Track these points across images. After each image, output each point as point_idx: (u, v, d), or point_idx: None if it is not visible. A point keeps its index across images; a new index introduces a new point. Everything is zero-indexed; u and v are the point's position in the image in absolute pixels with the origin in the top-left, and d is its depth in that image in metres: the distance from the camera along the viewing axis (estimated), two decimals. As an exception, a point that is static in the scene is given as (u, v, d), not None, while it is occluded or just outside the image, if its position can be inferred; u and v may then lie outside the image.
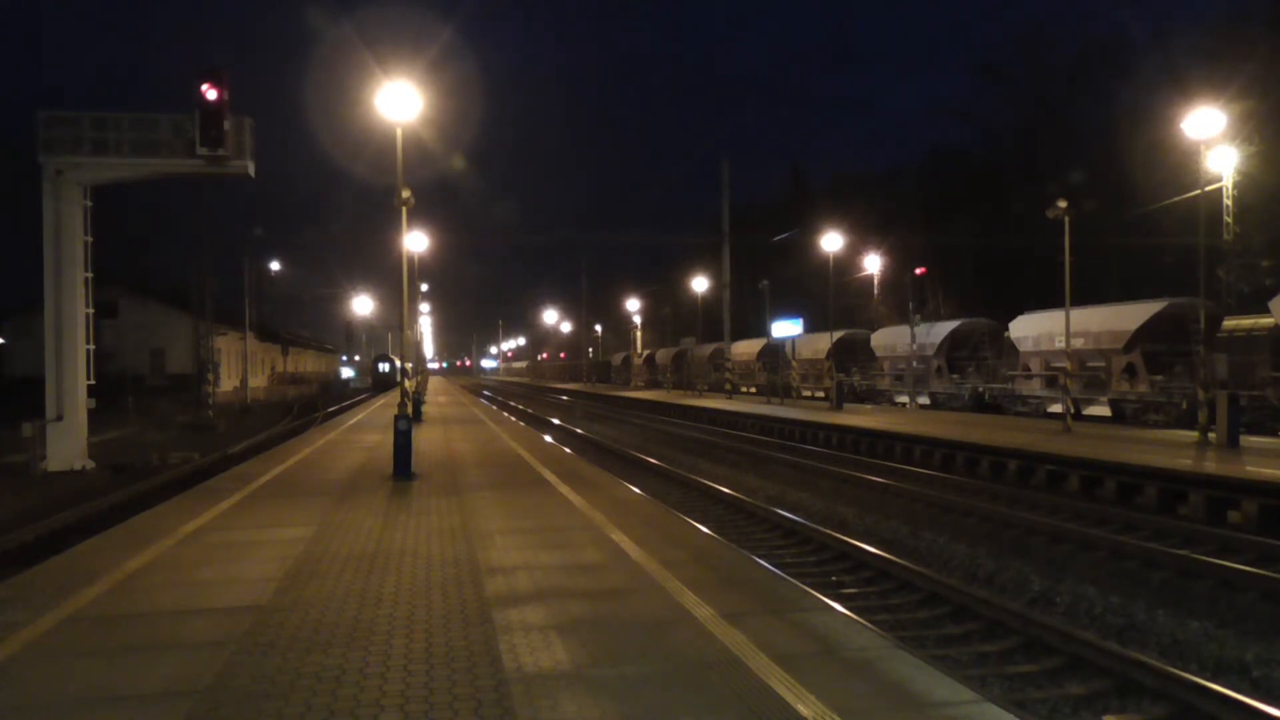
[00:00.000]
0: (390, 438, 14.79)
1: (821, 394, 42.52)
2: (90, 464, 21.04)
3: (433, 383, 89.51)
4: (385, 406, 38.41)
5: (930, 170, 63.85)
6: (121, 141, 21.00)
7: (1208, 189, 23.73)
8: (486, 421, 29.73)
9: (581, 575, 7.69)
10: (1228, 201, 29.31)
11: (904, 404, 37.64)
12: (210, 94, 20.46)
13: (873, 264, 50.51)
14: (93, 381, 21.48)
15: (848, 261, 48.81)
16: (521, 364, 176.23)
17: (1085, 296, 28.90)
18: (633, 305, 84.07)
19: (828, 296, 39.89)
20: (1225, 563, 10.78)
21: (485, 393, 75.13)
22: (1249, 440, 18.91)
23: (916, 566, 10.64)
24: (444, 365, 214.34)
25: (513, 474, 15.09)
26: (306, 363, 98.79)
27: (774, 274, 53.01)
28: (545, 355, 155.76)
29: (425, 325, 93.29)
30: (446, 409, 38.48)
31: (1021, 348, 31.37)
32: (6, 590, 7.49)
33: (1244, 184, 30.94)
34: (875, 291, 53.83)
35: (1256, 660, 7.86)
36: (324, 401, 53.87)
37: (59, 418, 20.67)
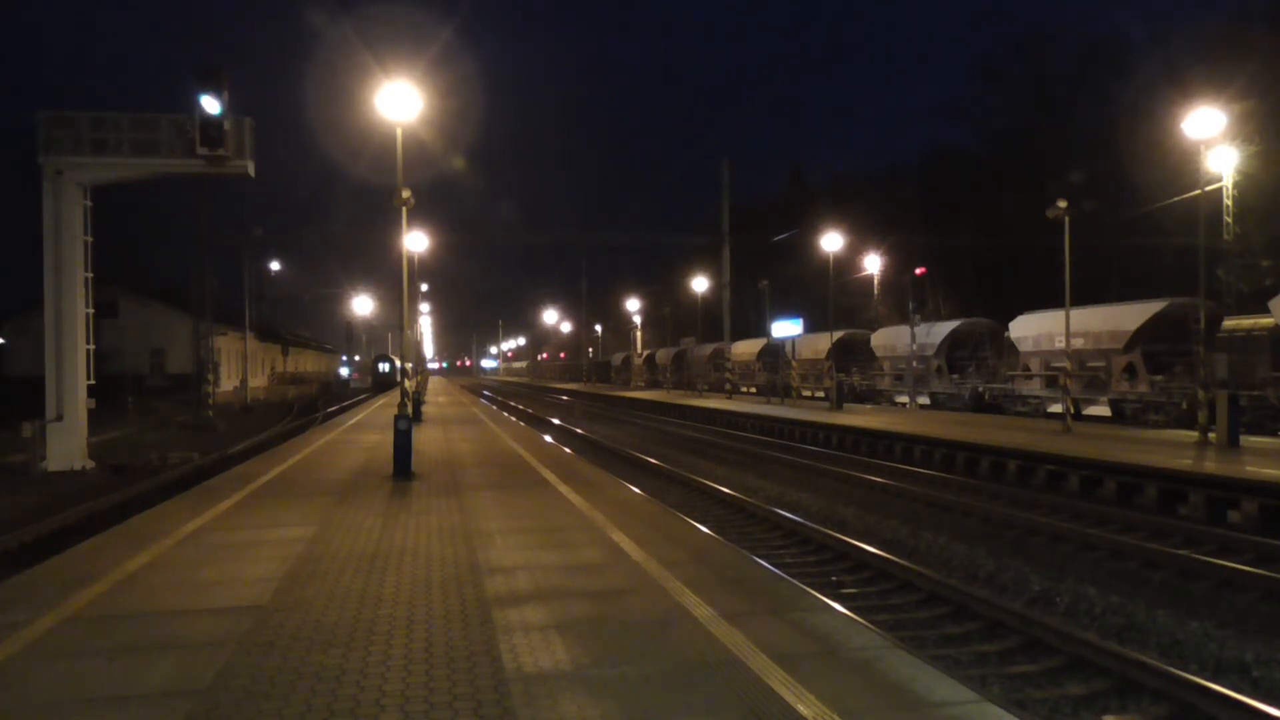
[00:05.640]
0: (390, 438, 14.79)
1: (821, 394, 42.52)
2: (90, 464, 21.04)
3: (433, 383, 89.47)
4: (385, 406, 38.40)
5: (930, 170, 63.98)
6: (121, 141, 21.03)
7: (1208, 189, 23.74)
8: (486, 421, 29.73)
9: (582, 575, 7.68)
10: (1228, 201, 29.33)
11: (904, 404, 37.64)
12: (211, 93, 20.49)
13: (873, 264, 50.53)
14: (93, 381, 21.47)
15: (848, 261, 48.83)
16: (522, 364, 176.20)
17: (1085, 296, 28.90)
18: (633, 305, 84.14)
19: (828, 296, 39.88)
20: (1225, 563, 10.78)
21: (485, 393, 75.09)
22: (1249, 440, 18.92)
23: (916, 566, 10.64)
24: (444, 365, 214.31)
25: (513, 474, 15.08)
26: (306, 363, 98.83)
27: (774, 274, 53.05)
28: (545, 355, 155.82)
29: (425, 325, 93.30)
30: (446, 409, 38.47)
31: (1021, 348, 31.37)
32: (6, 590, 7.49)
33: (1244, 184, 30.97)
34: (875, 291, 53.84)
35: (1256, 660, 7.86)
36: (324, 401, 53.85)
37: (59, 418, 20.67)
